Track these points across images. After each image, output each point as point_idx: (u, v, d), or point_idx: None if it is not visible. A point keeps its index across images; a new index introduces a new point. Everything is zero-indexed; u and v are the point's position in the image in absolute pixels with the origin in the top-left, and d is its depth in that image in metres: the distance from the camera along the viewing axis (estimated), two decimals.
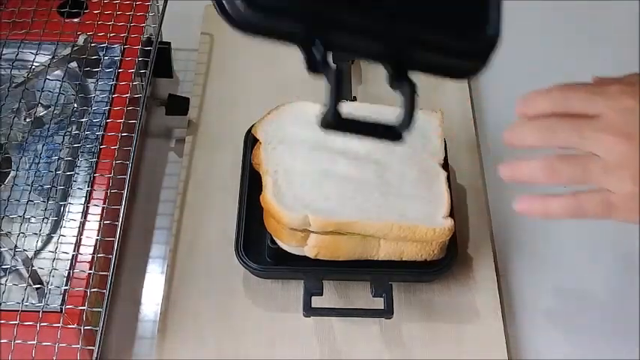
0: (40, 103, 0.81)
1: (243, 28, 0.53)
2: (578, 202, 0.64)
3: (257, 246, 0.77)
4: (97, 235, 0.72)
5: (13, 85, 0.80)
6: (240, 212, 0.79)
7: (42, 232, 0.73)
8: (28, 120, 0.80)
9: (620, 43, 1.01)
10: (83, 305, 0.68)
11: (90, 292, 0.69)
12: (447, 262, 0.77)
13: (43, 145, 0.79)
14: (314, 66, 0.54)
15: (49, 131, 0.80)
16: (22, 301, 0.68)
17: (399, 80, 0.55)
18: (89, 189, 0.75)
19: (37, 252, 0.72)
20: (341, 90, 0.53)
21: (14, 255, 0.70)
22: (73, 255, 0.71)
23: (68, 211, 0.74)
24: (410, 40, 0.55)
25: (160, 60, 0.89)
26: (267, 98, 0.86)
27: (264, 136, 0.80)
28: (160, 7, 0.89)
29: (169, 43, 0.91)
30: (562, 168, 0.64)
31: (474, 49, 0.56)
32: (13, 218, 0.73)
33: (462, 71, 0.59)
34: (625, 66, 0.99)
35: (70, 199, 0.74)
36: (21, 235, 0.72)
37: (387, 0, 0.54)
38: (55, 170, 0.77)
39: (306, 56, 0.54)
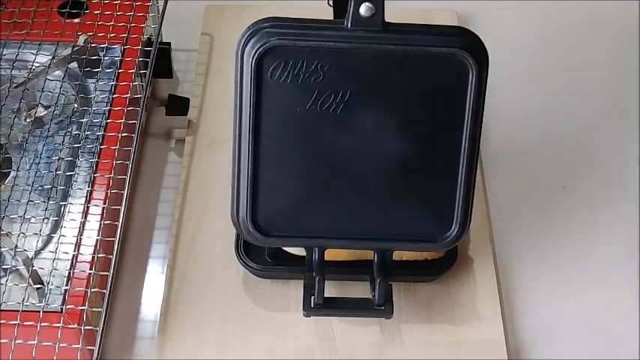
0: (40, 103, 0.81)
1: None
2: None
3: (257, 246, 0.77)
4: (97, 235, 0.72)
5: (14, 85, 0.80)
6: None
7: (42, 232, 0.73)
8: (28, 120, 0.80)
9: (620, 43, 1.01)
10: (83, 305, 0.68)
11: (90, 292, 0.69)
12: (447, 262, 0.78)
13: (44, 145, 0.79)
14: (309, 268, 0.70)
15: (49, 131, 0.80)
16: (23, 301, 0.68)
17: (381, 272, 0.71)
18: (89, 189, 0.75)
19: (38, 252, 0.72)
20: (322, 287, 0.70)
21: (15, 255, 0.70)
22: (73, 255, 0.71)
23: (68, 212, 0.74)
24: (385, 246, 0.71)
25: (160, 60, 0.89)
26: None
27: None
28: (160, 8, 0.89)
29: (169, 43, 0.91)
30: None
31: (439, 249, 0.73)
32: (13, 218, 0.73)
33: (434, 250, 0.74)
34: (625, 65, 1.00)
35: (70, 200, 0.75)
36: (21, 235, 0.72)
37: (363, 224, 0.70)
38: (56, 170, 0.77)
39: (307, 258, 0.71)
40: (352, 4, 0.64)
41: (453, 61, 0.65)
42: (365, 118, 0.67)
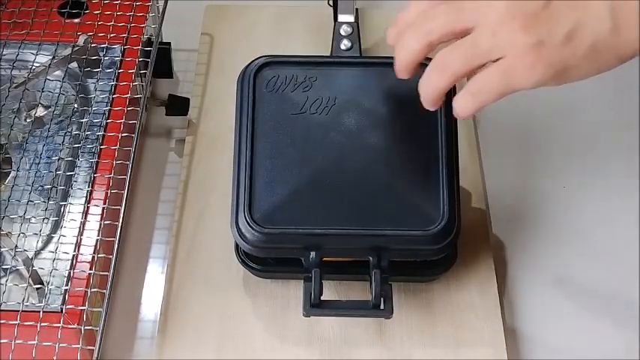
0: (40, 103, 0.81)
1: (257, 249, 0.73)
2: (478, 87, 0.62)
3: None
4: (97, 235, 0.72)
5: (14, 85, 0.80)
6: None
7: (42, 232, 0.73)
8: (28, 120, 0.81)
9: None
10: (83, 305, 0.68)
11: (90, 292, 0.69)
12: (447, 262, 0.78)
13: (44, 145, 0.79)
14: (306, 268, 0.71)
15: (49, 131, 0.80)
16: (23, 301, 0.68)
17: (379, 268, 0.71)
18: (89, 189, 0.75)
19: (38, 252, 0.72)
20: (320, 284, 0.71)
21: (15, 255, 0.70)
22: (73, 255, 0.71)
23: (68, 212, 0.74)
24: (378, 240, 0.72)
25: (160, 60, 0.89)
26: None
27: None
28: (160, 8, 0.89)
29: (169, 43, 0.91)
30: (452, 55, 0.62)
31: (430, 240, 0.72)
32: (13, 218, 0.73)
33: (429, 254, 0.73)
34: (625, 64, 0.99)
35: (70, 200, 0.75)
36: (21, 235, 0.72)
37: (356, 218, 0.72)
38: (56, 170, 0.77)
39: (304, 262, 0.72)
40: (334, 39, 0.82)
41: (421, 71, 0.71)
42: (350, 119, 0.75)
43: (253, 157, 0.73)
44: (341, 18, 0.84)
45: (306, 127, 0.74)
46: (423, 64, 0.69)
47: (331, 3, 0.88)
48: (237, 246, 0.78)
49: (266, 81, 0.76)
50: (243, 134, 0.74)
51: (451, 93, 0.71)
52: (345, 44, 0.82)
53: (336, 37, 0.83)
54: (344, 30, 0.83)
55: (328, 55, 0.81)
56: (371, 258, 0.72)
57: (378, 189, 0.73)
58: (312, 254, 0.71)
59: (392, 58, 0.74)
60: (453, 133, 0.75)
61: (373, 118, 0.75)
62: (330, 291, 0.77)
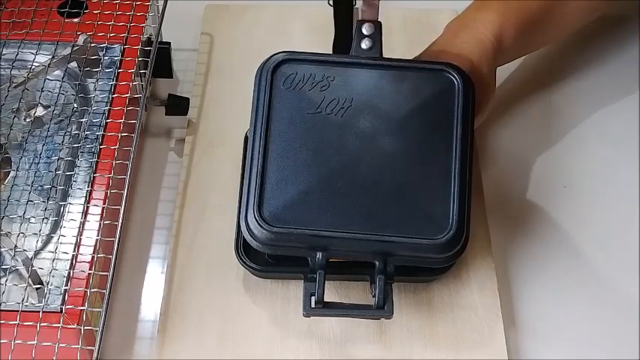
0: (40, 103, 0.81)
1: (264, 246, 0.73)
2: None
3: None
4: (97, 235, 0.72)
5: (13, 85, 0.80)
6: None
7: (42, 232, 0.73)
8: (28, 120, 0.81)
9: (620, 42, 1.01)
10: (83, 305, 0.68)
11: (90, 292, 0.69)
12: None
13: (43, 145, 0.79)
14: (311, 268, 0.71)
15: (48, 131, 0.80)
16: (22, 301, 0.68)
17: (383, 274, 0.71)
18: (89, 189, 0.75)
19: (37, 252, 0.72)
20: (323, 286, 0.71)
21: (14, 255, 0.70)
22: (73, 255, 0.71)
23: (68, 211, 0.74)
24: (385, 246, 0.71)
25: (160, 60, 0.89)
26: None
27: None
28: (160, 7, 0.89)
29: (169, 43, 0.91)
30: None
31: (437, 249, 0.71)
32: (13, 218, 0.73)
33: (436, 262, 0.73)
34: (625, 64, 0.99)
35: (69, 199, 0.74)
36: (21, 235, 0.72)
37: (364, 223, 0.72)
38: (55, 170, 0.77)
39: (310, 261, 0.72)
40: (355, 38, 0.78)
41: (441, 77, 0.76)
42: (365, 122, 0.74)
43: (266, 154, 0.73)
44: (364, 15, 0.79)
45: (320, 127, 0.74)
46: (443, 71, 0.75)
47: (331, 3, 0.87)
48: (237, 246, 0.78)
49: (284, 77, 0.75)
50: (258, 130, 0.73)
51: (470, 99, 0.74)
52: (366, 44, 0.78)
53: (358, 36, 0.79)
54: (366, 29, 0.79)
55: (348, 54, 0.78)
56: (377, 262, 0.72)
57: (389, 194, 0.73)
58: (319, 255, 0.71)
59: (413, 61, 0.76)
60: (469, 143, 0.74)
61: (389, 123, 0.74)
62: (330, 290, 0.77)
